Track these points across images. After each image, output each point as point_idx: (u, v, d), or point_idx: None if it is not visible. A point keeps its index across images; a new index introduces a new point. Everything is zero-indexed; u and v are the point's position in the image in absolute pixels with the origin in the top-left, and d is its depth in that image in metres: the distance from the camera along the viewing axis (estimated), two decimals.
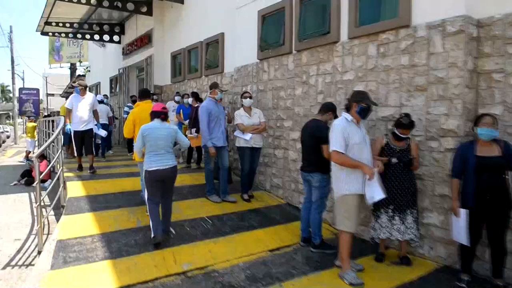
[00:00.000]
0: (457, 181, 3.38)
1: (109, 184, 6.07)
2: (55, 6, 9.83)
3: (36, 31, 12.66)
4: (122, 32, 13.00)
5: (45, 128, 11.00)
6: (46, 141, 10.57)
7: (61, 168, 5.48)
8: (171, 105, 8.94)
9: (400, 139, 3.75)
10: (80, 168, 7.07)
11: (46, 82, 35.11)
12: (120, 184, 6.11)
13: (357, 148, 3.40)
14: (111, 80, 15.32)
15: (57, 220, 4.98)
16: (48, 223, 5.22)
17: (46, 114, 16.86)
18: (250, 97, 5.66)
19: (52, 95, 35.83)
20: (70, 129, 6.79)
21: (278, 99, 5.94)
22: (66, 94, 26.34)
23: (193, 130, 7.28)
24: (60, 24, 11.65)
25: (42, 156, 9.57)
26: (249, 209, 5.35)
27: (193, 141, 7.26)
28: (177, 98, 8.97)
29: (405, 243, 3.85)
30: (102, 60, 16.45)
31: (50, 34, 13.01)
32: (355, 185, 3.41)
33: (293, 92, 5.64)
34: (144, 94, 5.33)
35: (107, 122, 9.55)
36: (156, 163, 4.13)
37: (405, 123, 3.64)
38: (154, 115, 4.31)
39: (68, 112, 6.76)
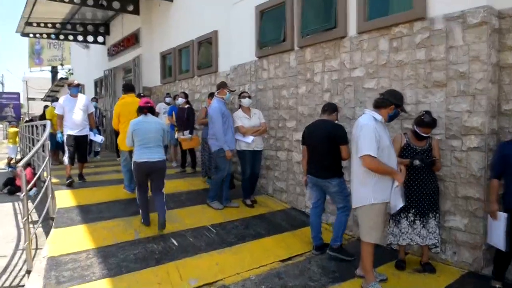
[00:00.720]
0: (496, 182, 3.15)
1: (101, 192, 5.68)
2: (36, 4, 9.32)
3: (16, 32, 12.08)
4: (107, 33, 12.52)
5: (28, 134, 10.46)
6: (29, 147, 10.06)
7: (48, 176, 5.05)
8: (161, 107, 8.59)
9: (421, 138, 3.51)
10: (70, 183, 5.96)
11: (27, 86, 33.98)
12: (113, 191, 5.72)
13: (386, 151, 3.09)
14: (95, 83, 14.78)
15: (46, 233, 4.57)
16: (36, 237, 4.80)
17: (28, 118, 16.19)
18: (249, 97, 5.37)
19: (33, 99, 34.67)
20: (61, 137, 6.09)
21: (279, 98, 5.65)
22: (48, 98, 25.52)
23: (186, 132, 6.95)
24: (42, 25, 11.10)
25: (26, 163, 9.06)
26: (253, 215, 5.05)
27: (185, 143, 6.95)
28: (167, 99, 8.61)
29: (426, 248, 3.61)
30: (86, 62, 15.88)
31: (31, 35, 12.44)
32: (383, 193, 3.10)
33: (296, 90, 5.36)
34: (128, 88, 5.68)
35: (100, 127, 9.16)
36: (146, 155, 4.29)
37: (427, 121, 3.40)
38: (139, 110, 4.49)
39: (60, 118, 6.07)
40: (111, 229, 4.34)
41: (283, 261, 3.82)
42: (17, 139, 13.82)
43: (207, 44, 7.83)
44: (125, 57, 11.21)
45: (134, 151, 4.41)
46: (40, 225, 5.10)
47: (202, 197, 5.63)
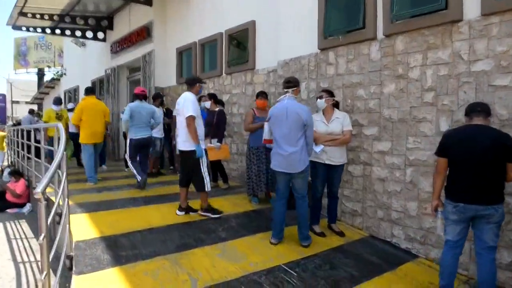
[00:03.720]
0: None
1: (127, 216, 4.43)
2: None
3: (7, 24, 10.68)
4: (110, 27, 11.24)
5: (18, 138, 9.06)
6: (18, 153, 8.68)
7: (65, 200, 3.65)
8: None
9: None
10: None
11: (11, 88, 32.08)
12: (143, 215, 4.48)
13: None
14: (93, 83, 13.42)
15: (63, 283, 3.26)
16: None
17: (14, 122, 14.69)
18: (320, 97, 4.25)
19: (17, 102, 32.78)
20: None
21: (353, 99, 4.55)
22: (36, 101, 23.87)
23: (215, 140, 5.78)
24: (38, 16, 9.76)
25: (19, 174, 7.70)
26: (331, 248, 3.90)
27: (213, 153, 5.72)
28: None
29: None
30: (82, 61, 14.49)
31: (24, 28, 11.04)
32: None
33: (379, 89, 4.27)
34: (90, 91, 6.57)
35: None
36: (140, 133, 5.70)
37: None
38: (136, 96, 5.84)
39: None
40: (156, 274, 3.11)
41: None
42: (4, 144, 12.35)
43: (241, 37, 6.70)
44: (133, 54, 9.95)
45: (130, 130, 5.71)
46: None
47: (256, 221, 4.47)
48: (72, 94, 15.78)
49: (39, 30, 11.27)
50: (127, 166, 7.83)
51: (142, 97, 5.83)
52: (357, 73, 4.50)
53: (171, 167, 8.21)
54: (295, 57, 5.31)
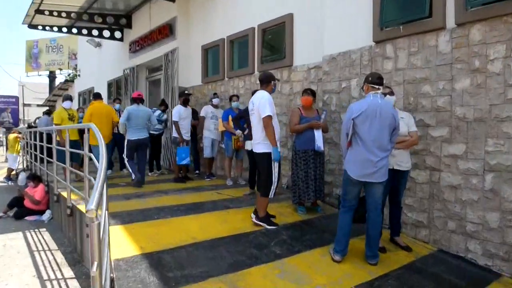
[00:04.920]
0: None
1: (166, 228, 3.97)
2: None
3: (23, 23, 10.37)
4: (128, 26, 10.86)
5: (36, 141, 8.69)
6: (36, 156, 8.29)
7: (104, 211, 3.13)
8: (208, 110, 6.98)
9: None
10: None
11: (23, 91, 32.00)
12: (183, 227, 4.02)
13: None
14: (109, 84, 13.08)
15: None
16: None
17: (31, 124, 14.41)
18: (392, 94, 3.77)
19: (29, 105, 32.67)
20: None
21: (417, 96, 4.06)
22: (49, 103, 23.69)
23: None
24: (55, 14, 9.40)
25: (37, 179, 7.32)
26: (402, 266, 3.41)
27: None
28: (215, 100, 6.99)
29: None
30: (97, 62, 14.17)
31: (40, 27, 10.71)
32: None
33: (450, 85, 3.77)
34: (97, 96, 6.86)
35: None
36: (137, 134, 5.99)
37: None
38: (134, 100, 6.24)
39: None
40: None
41: None
42: (18, 146, 12.03)
43: (276, 32, 6.25)
44: (153, 53, 9.54)
45: (128, 131, 6.04)
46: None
47: (308, 234, 3.99)
48: (87, 96, 15.46)
49: (55, 29, 10.92)
50: (122, 168, 7.47)
51: (139, 100, 6.28)
52: (421, 68, 4.01)
53: (197, 172, 7.78)
54: (343, 51, 4.84)
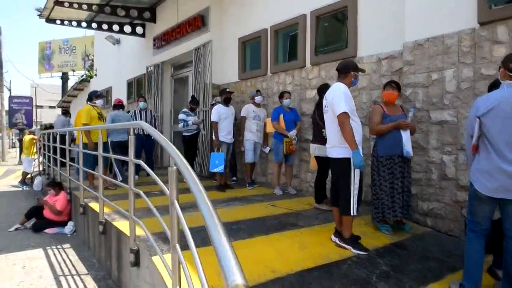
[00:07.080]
0: None
1: (244, 256, 3.13)
2: None
3: (41, 17, 9.70)
4: (152, 20, 10.11)
5: (52, 143, 7.95)
6: (56, 160, 7.57)
7: (176, 240, 2.26)
8: (250, 109, 6.17)
9: None
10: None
11: (36, 92, 31.59)
12: (255, 254, 3.14)
13: None
14: (129, 84, 12.36)
15: None
16: None
17: (47, 125, 13.75)
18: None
19: (41, 107, 32.28)
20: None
21: None
22: (64, 104, 23.16)
23: (320, 145, 4.54)
24: (75, 5, 8.68)
25: (58, 186, 6.56)
26: None
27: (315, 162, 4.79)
28: (258, 99, 6.17)
29: None
30: (116, 60, 13.48)
31: (58, 21, 10.02)
32: None
33: None
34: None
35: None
36: (120, 136, 6.39)
37: None
38: (115, 106, 7.03)
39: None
40: None
41: None
42: (33, 149, 11.35)
43: (335, 18, 5.41)
44: (182, 48, 8.75)
45: (111, 134, 6.36)
46: None
47: (411, 263, 3.11)
48: (104, 96, 14.78)
49: (74, 23, 10.23)
50: (111, 171, 6.78)
51: (120, 106, 6.95)
52: None
53: (234, 179, 6.96)
54: (433, 36, 3.97)
